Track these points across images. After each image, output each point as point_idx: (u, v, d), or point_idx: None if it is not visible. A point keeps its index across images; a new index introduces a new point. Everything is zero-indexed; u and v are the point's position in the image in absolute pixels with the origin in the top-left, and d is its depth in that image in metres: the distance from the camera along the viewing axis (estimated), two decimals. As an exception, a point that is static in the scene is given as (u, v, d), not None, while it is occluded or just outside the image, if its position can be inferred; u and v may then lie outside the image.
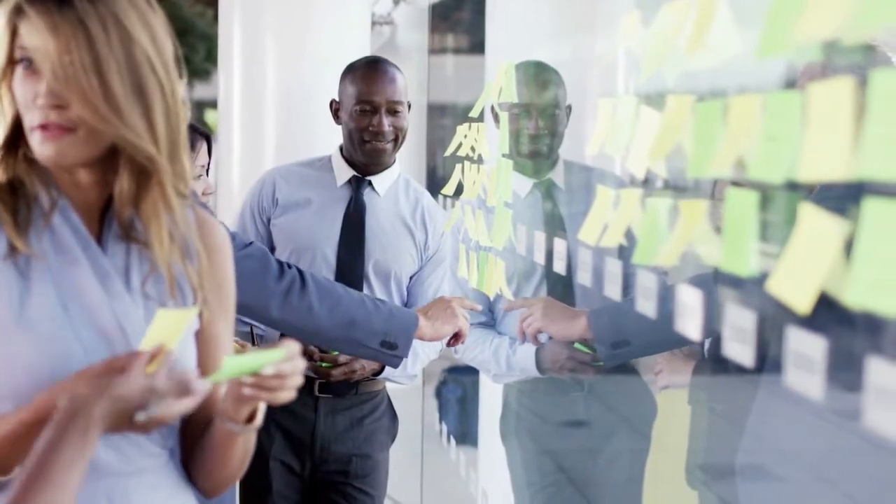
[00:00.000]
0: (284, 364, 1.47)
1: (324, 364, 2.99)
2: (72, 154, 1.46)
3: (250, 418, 1.56)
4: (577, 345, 2.84)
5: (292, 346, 1.49)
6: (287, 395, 1.50)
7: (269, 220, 3.13)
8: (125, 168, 1.50)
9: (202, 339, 1.63)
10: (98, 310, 1.50)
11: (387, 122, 3.02)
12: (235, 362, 1.47)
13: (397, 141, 3.07)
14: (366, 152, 3.05)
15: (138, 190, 1.51)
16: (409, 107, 3.11)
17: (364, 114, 3.03)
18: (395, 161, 3.16)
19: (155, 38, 1.49)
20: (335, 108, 3.14)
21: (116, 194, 1.52)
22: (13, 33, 1.46)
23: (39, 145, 1.46)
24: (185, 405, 1.43)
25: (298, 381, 1.51)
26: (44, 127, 1.45)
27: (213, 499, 1.71)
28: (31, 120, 1.46)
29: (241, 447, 1.60)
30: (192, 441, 1.64)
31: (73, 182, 1.53)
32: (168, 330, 1.46)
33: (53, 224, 1.52)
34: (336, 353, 2.98)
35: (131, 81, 1.45)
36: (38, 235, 1.50)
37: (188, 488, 1.66)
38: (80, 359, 1.46)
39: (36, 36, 1.43)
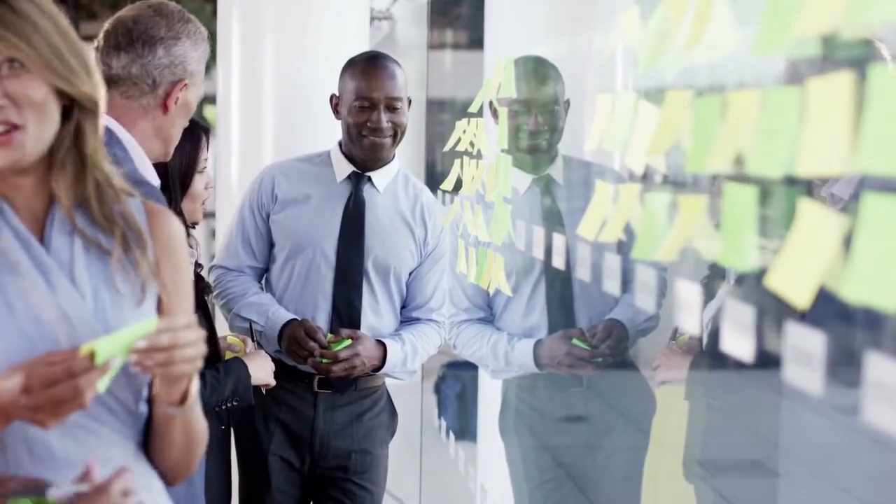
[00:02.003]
0: (161, 336, 1.45)
1: (324, 360, 2.99)
2: (18, 155, 1.49)
3: (184, 399, 1.55)
4: (575, 340, 2.85)
5: (173, 321, 1.48)
6: (183, 367, 1.48)
7: (268, 216, 3.13)
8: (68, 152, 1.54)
9: None
10: (43, 306, 1.50)
11: (385, 119, 3.01)
12: (106, 343, 1.44)
13: (396, 136, 3.06)
14: (364, 147, 3.04)
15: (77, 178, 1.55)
16: (410, 102, 3.11)
17: (363, 110, 3.02)
18: (394, 157, 3.15)
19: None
20: (335, 104, 3.13)
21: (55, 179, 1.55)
22: None
23: None
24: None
25: (192, 352, 1.48)
26: None
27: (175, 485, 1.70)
28: None
29: (179, 431, 1.59)
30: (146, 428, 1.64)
31: (14, 185, 1.54)
32: (124, 340, 1.45)
33: None
34: (337, 348, 2.98)
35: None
36: None
37: (157, 479, 1.65)
38: (28, 356, 1.46)
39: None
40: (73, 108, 1.54)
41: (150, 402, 1.61)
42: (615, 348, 2.85)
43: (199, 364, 1.51)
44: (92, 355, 1.41)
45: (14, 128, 1.48)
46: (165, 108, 2.18)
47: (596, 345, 2.83)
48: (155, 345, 1.45)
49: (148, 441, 1.63)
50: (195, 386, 1.56)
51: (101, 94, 1.58)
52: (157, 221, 1.65)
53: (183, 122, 2.24)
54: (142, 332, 1.46)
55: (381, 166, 3.12)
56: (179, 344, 1.47)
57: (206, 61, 2.27)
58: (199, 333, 1.50)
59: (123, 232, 1.58)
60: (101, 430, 1.55)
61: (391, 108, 3.02)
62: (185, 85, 2.19)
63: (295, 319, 3.02)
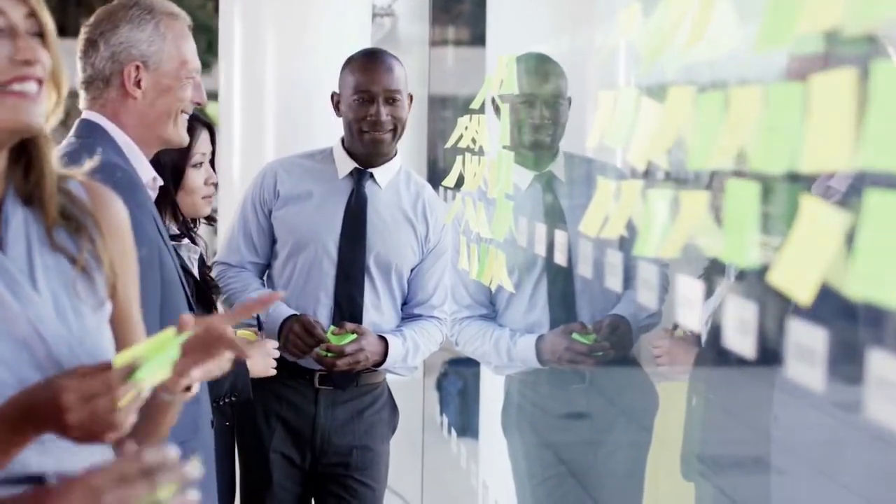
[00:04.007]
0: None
1: (329, 354, 2.99)
2: (41, 115, 1.44)
3: (187, 388, 1.54)
4: (575, 335, 2.85)
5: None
6: (213, 372, 1.50)
7: (270, 213, 3.13)
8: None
9: (120, 317, 1.57)
10: (13, 320, 1.41)
11: (384, 112, 3.02)
12: (150, 368, 1.38)
13: (396, 131, 3.07)
14: (364, 143, 3.05)
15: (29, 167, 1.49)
16: (411, 99, 3.12)
17: (362, 103, 3.04)
18: (396, 153, 3.16)
19: None
20: (336, 101, 3.14)
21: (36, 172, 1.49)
22: None
23: (16, 110, 1.41)
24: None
25: (226, 361, 1.49)
26: (17, 92, 1.41)
27: None
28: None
29: (171, 416, 1.58)
30: None
31: None
32: (149, 352, 1.39)
33: None
34: (342, 343, 2.99)
35: None
36: None
37: None
38: (2, 375, 1.39)
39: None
40: None
41: None
42: (620, 344, 2.85)
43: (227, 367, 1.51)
44: (129, 368, 1.35)
45: (39, 88, 1.43)
46: (131, 95, 2.20)
47: (600, 340, 2.83)
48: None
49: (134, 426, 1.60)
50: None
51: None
52: (100, 202, 1.57)
53: (167, 104, 2.22)
54: (175, 349, 1.42)
55: (382, 163, 3.12)
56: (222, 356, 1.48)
57: (176, 37, 2.25)
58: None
59: (80, 225, 1.51)
60: (84, 452, 1.47)
61: (390, 101, 3.03)
62: (139, 66, 2.20)
63: (294, 315, 3.03)
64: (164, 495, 1.31)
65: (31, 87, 1.42)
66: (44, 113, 1.45)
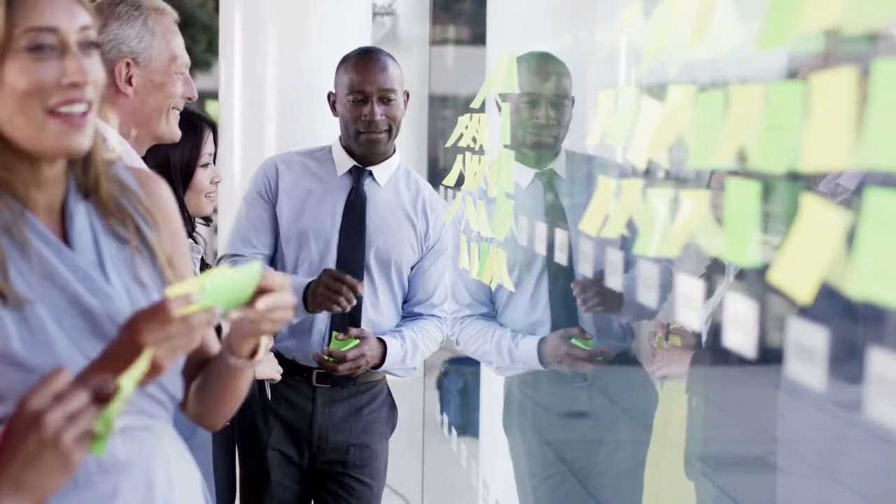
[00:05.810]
0: (261, 301, 1.44)
1: (331, 359, 2.98)
2: (86, 139, 1.44)
3: (253, 353, 1.57)
4: (574, 340, 2.85)
5: (272, 280, 1.46)
6: (269, 327, 1.50)
7: (273, 204, 3.12)
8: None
9: None
10: (93, 318, 1.42)
11: (378, 111, 3.02)
12: (215, 289, 1.38)
13: (391, 131, 3.06)
14: (360, 143, 3.05)
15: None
16: (408, 97, 3.11)
17: (356, 103, 3.03)
18: (395, 151, 3.16)
19: None
20: (332, 101, 3.14)
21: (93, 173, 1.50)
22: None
23: (62, 135, 1.40)
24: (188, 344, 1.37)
25: (283, 314, 1.49)
26: (64, 115, 1.40)
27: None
28: (45, 104, 1.40)
29: (245, 381, 1.60)
30: (188, 382, 1.62)
31: (35, 181, 1.45)
32: (233, 289, 1.40)
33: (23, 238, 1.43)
34: (345, 348, 2.98)
35: None
36: (10, 259, 1.40)
37: (198, 470, 1.65)
38: None
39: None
40: None
41: (190, 359, 1.59)
42: (609, 302, 2.76)
43: (283, 326, 1.52)
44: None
45: (87, 110, 1.43)
46: (123, 92, 2.19)
47: (588, 298, 2.77)
48: (272, 306, 1.45)
49: (204, 394, 1.63)
50: (265, 340, 1.57)
51: None
52: (149, 187, 1.60)
53: (159, 100, 2.22)
54: (250, 278, 1.41)
55: (381, 161, 3.12)
56: (277, 307, 1.47)
57: (163, 33, 2.24)
58: (292, 299, 1.50)
59: (132, 215, 1.54)
60: (153, 424, 1.52)
61: (384, 101, 3.02)
62: (129, 63, 2.19)
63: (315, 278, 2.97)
64: (114, 411, 1.26)
65: (78, 108, 1.42)
66: (90, 135, 1.45)
